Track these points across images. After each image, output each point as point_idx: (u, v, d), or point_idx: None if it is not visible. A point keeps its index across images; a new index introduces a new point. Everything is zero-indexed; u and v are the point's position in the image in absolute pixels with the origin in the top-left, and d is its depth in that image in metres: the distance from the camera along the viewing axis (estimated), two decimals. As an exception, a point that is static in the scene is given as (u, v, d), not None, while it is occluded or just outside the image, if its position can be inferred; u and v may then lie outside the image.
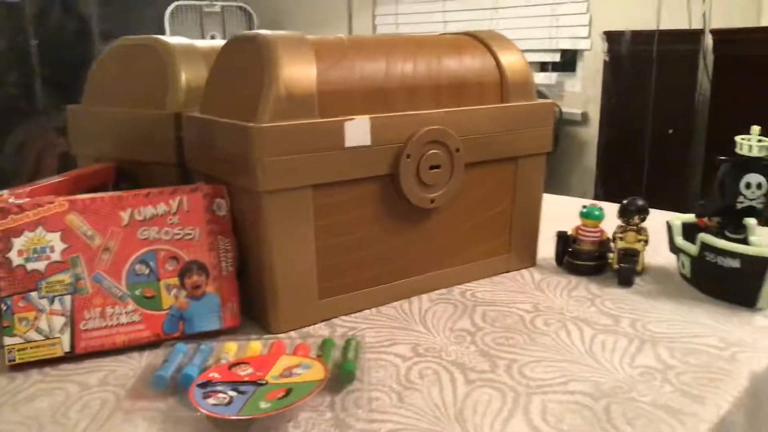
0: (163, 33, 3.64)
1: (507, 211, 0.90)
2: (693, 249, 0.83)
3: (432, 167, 0.79)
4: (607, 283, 0.87)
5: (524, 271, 0.92)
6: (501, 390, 0.58)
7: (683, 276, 0.88)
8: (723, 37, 2.41)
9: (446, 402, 0.56)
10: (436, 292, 0.84)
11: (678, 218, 0.90)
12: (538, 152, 0.91)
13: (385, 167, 0.76)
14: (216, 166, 0.75)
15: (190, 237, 0.69)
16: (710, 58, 2.49)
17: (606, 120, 2.83)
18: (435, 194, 0.80)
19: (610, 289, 0.85)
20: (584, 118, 3.22)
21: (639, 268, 0.87)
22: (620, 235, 0.88)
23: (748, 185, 0.81)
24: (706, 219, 0.87)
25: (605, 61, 2.81)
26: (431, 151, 0.78)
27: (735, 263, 0.78)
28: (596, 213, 0.90)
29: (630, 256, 0.86)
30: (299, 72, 0.70)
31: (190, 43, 0.92)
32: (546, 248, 0.98)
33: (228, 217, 0.71)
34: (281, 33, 0.73)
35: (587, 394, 0.58)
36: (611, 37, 2.76)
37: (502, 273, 0.91)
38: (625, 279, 0.86)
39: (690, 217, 0.90)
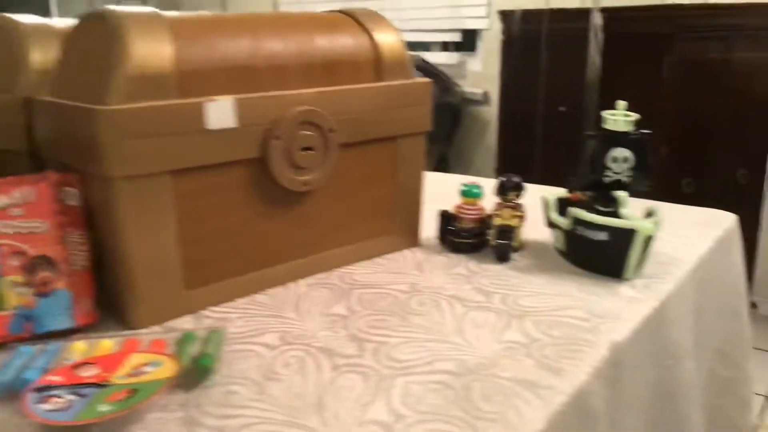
0: (48, 12, 3.43)
1: (388, 192, 0.89)
2: (565, 223, 0.85)
3: (305, 149, 0.77)
4: (486, 260, 0.88)
5: (407, 252, 0.91)
6: (365, 374, 0.57)
7: (558, 250, 0.90)
8: (612, 14, 2.50)
9: (308, 391, 0.55)
10: (315, 276, 0.82)
11: (552, 194, 0.92)
12: (417, 131, 0.90)
13: (253, 150, 0.73)
14: (67, 153, 0.70)
15: (37, 230, 0.64)
16: (601, 36, 2.58)
17: (504, 99, 2.89)
18: (308, 177, 0.78)
19: (487, 266, 0.86)
20: (485, 98, 3.28)
21: (515, 244, 0.88)
22: (497, 213, 0.89)
23: (614, 159, 0.84)
24: (578, 193, 0.89)
25: (502, 41, 2.85)
26: (303, 132, 0.76)
27: (603, 236, 0.80)
28: (475, 191, 0.91)
29: (506, 232, 0.87)
30: (152, 50, 0.66)
31: (45, 23, 0.85)
32: (431, 227, 0.98)
33: (80, 207, 0.66)
34: (133, 9, 0.69)
35: (451, 372, 0.58)
36: (505, 16, 2.81)
37: (385, 254, 0.90)
38: (501, 255, 0.87)
39: (563, 192, 0.92)
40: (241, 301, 0.74)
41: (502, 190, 0.89)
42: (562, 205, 0.90)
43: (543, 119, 2.63)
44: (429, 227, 0.97)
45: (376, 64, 0.85)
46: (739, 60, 2.28)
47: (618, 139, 0.84)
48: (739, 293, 1.03)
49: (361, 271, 0.84)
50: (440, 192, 1.20)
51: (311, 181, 0.78)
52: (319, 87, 0.79)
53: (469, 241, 0.91)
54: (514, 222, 0.88)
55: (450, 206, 0.94)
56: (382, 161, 0.88)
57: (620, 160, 0.83)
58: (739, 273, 1.03)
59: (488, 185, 0.95)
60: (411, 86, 0.88)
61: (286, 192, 0.77)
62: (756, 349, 1.82)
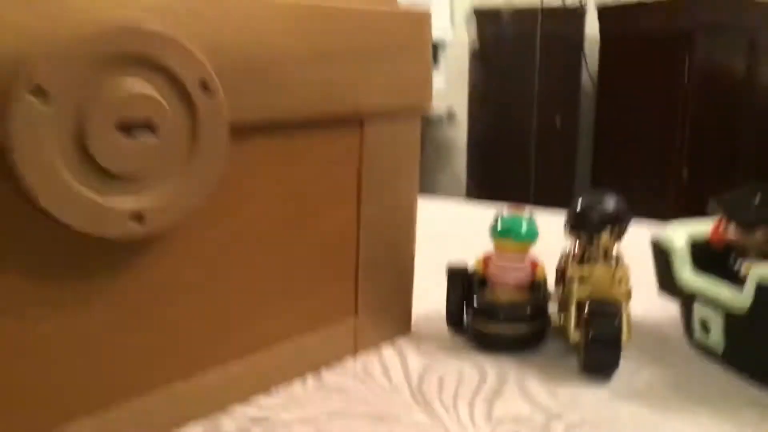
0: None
1: (346, 230, 0.43)
2: (735, 298, 0.39)
3: (129, 128, 0.30)
4: (561, 372, 0.42)
5: (389, 351, 0.44)
6: None
7: (700, 346, 0.44)
8: (609, 13, 2.11)
9: None
10: (186, 426, 0.34)
11: (678, 232, 0.46)
12: (406, 107, 0.44)
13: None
14: None
15: None
16: (597, 38, 2.19)
17: (477, 115, 2.46)
18: (146, 202, 0.31)
19: (570, 390, 0.39)
20: (450, 117, 2.86)
21: (624, 337, 0.41)
22: (578, 272, 0.43)
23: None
24: (734, 231, 0.44)
25: (473, 50, 2.44)
26: (125, 89, 0.29)
27: None
28: (524, 228, 0.45)
29: (604, 316, 0.41)
30: None
31: None
32: (427, 297, 0.52)
33: None
34: None
35: None
36: (482, 17, 2.40)
37: (345, 357, 0.43)
38: (598, 365, 0.41)
39: (699, 231, 0.47)
40: None
41: (588, 226, 0.43)
42: (700, 255, 0.45)
43: (530, 134, 2.20)
44: (422, 297, 0.51)
45: (318, -42, 0.39)
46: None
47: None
48: None
49: (289, 404, 0.37)
50: (441, 231, 0.73)
51: (151, 214, 0.31)
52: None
53: (518, 328, 0.44)
54: (617, 293, 0.42)
55: (452, 253, 0.48)
56: (334, 166, 0.41)
57: None
58: None
59: (543, 220, 0.49)
60: (389, 16, 0.42)
61: (90, 244, 0.30)
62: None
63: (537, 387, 0.40)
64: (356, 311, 0.44)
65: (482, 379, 0.41)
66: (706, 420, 0.37)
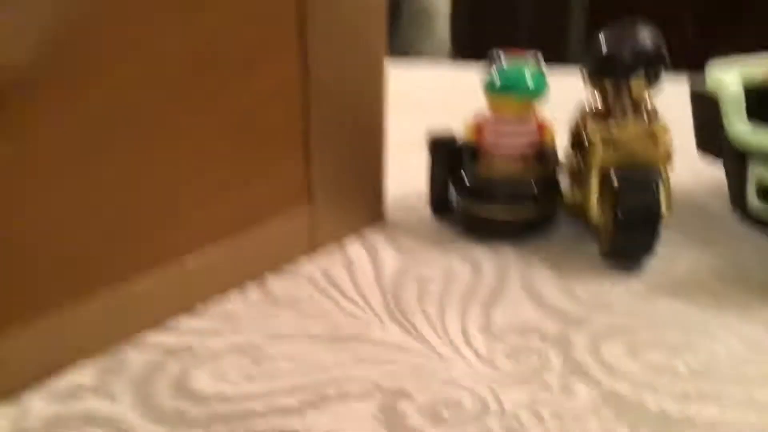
0: None
1: (287, 91, 0.31)
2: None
3: None
4: (579, 264, 0.32)
5: (355, 247, 0.34)
6: None
7: (757, 218, 0.35)
8: None
9: None
10: (75, 363, 0.25)
11: (730, 74, 0.35)
12: None
13: None
14: None
15: None
16: None
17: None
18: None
19: (592, 287, 0.30)
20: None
21: (665, 213, 0.31)
22: (602, 132, 0.32)
23: None
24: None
25: None
26: None
27: None
28: (529, 79, 0.34)
29: (637, 185, 0.30)
30: None
31: None
32: (404, 177, 0.41)
33: None
34: None
35: None
36: None
37: (297, 258, 0.33)
38: (632, 250, 0.31)
39: (753, 73, 0.35)
40: None
41: (616, 67, 0.32)
42: (755, 103, 0.34)
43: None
44: (405, 180, 0.40)
45: None
46: None
47: None
48: None
49: (227, 332, 0.27)
50: (422, 100, 0.62)
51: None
52: None
53: (517, 212, 0.34)
54: (654, 156, 0.32)
55: (456, 126, 0.37)
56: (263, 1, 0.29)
57: None
58: None
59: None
60: None
61: None
62: None
63: (548, 285, 0.31)
64: (309, 198, 0.33)
65: (477, 279, 0.31)
66: (767, 314, 0.28)
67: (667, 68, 0.32)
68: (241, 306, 0.30)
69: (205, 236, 0.29)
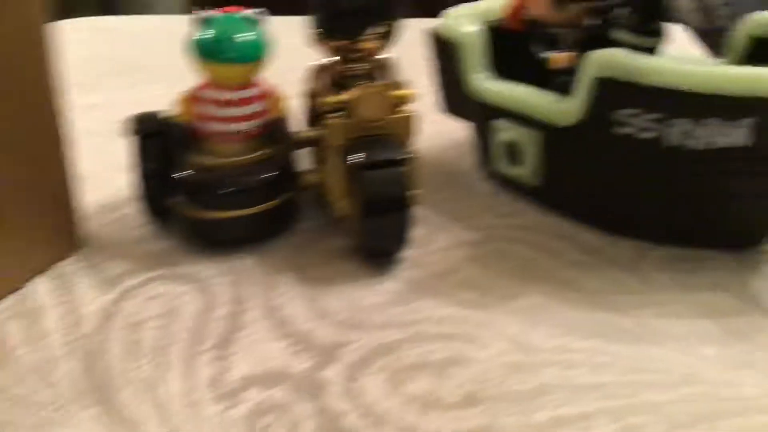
0: None
1: None
2: (558, 107, 0.26)
3: None
4: (335, 266, 0.27)
5: (42, 291, 0.26)
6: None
7: (506, 180, 0.32)
8: None
9: None
10: None
11: (465, 17, 0.31)
12: None
13: None
14: None
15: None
16: None
17: None
18: None
19: (347, 296, 0.25)
20: None
21: (415, 192, 0.27)
22: (336, 99, 0.26)
23: None
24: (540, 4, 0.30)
25: None
26: None
27: (739, 132, 0.24)
28: (244, 36, 0.27)
29: (381, 163, 0.26)
30: None
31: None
32: (110, 175, 0.32)
33: None
34: None
35: None
36: None
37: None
38: (387, 243, 0.27)
39: (494, 10, 0.32)
40: None
41: (343, 23, 0.26)
42: (497, 44, 0.31)
43: None
44: (110, 185, 0.32)
45: None
46: None
47: None
48: None
49: None
50: (131, 64, 0.52)
51: None
52: None
53: (249, 209, 0.28)
54: (400, 123, 0.27)
55: (168, 104, 0.29)
56: None
57: None
58: None
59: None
60: None
61: None
62: None
63: (295, 303, 0.25)
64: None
65: (207, 310, 0.25)
66: (540, 299, 0.25)
67: (402, 19, 0.27)
68: None
69: None
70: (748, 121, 0.23)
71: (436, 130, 0.38)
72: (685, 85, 0.23)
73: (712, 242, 0.27)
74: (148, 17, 0.67)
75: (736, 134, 0.23)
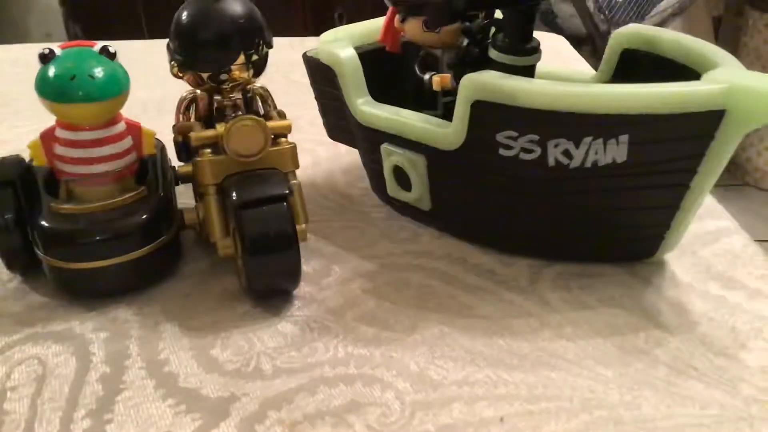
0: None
1: None
2: (442, 130, 0.26)
3: None
4: (216, 314, 0.25)
5: None
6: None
7: (400, 206, 0.31)
8: None
9: None
10: None
11: (340, 41, 0.30)
12: None
13: None
14: None
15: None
16: None
17: None
18: None
19: (237, 347, 0.23)
20: None
21: (300, 227, 0.25)
22: (205, 135, 0.25)
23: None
24: (413, 27, 0.29)
25: None
26: None
27: (618, 149, 0.24)
28: (99, 72, 0.25)
29: (260, 201, 0.24)
30: None
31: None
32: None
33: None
34: None
35: None
36: None
37: None
38: (276, 282, 0.26)
39: (367, 32, 0.31)
40: None
41: (198, 61, 0.25)
42: (373, 66, 0.30)
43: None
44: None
45: None
46: None
47: None
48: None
49: None
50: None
51: None
52: None
53: (122, 255, 0.26)
54: (278, 157, 0.25)
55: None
56: None
57: None
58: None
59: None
60: None
61: None
62: None
63: (180, 358, 0.23)
64: None
65: (83, 371, 0.23)
66: (439, 329, 0.25)
67: (269, 45, 0.26)
68: None
69: None
70: (624, 138, 0.23)
71: (325, 156, 0.36)
72: (557, 106, 0.23)
73: (604, 257, 0.27)
74: (18, 46, 0.62)
75: (615, 151, 0.23)
